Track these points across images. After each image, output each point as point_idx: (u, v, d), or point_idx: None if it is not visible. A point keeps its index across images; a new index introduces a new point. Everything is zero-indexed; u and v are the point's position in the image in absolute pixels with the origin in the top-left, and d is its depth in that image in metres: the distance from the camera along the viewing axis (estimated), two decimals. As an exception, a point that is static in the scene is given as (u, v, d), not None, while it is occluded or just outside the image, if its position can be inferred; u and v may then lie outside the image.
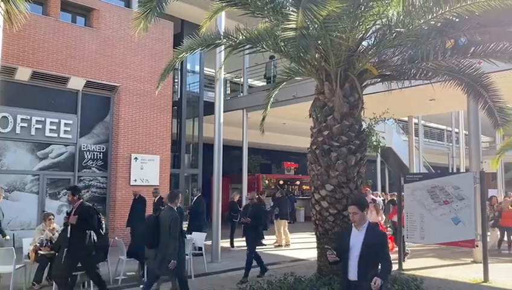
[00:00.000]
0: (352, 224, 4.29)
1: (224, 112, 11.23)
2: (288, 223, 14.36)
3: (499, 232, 12.73)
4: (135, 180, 13.45)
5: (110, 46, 13.29)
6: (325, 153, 6.84)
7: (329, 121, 6.86)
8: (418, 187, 9.36)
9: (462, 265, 10.43)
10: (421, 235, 9.31)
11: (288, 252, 12.28)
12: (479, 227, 8.95)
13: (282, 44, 6.76)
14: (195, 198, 12.53)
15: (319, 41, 6.60)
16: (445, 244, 10.70)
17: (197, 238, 9.80)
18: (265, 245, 11.15)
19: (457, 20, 5.96)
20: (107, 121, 13.51)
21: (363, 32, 6.60)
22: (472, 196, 8.73)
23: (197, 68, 17.15)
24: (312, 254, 9.19)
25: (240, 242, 10.90)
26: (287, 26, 4.99)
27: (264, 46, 7.12)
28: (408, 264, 9.94)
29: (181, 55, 7.70)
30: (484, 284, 8.32)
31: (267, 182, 22.57)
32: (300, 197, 22.39)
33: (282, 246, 13.32)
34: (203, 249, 9.73)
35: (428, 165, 25.39)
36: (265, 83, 17.38)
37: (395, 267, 9.39)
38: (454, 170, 24.86)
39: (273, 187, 21.97)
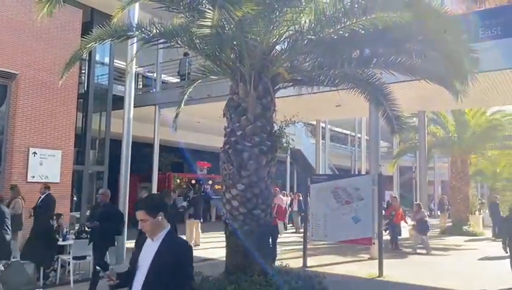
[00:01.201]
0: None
1: (134, 107, 10.83)
2: (201, 222, 14.28)
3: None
4: (33, 177, 12.36)
5: (9, 31, 12.11)
6: (237, 153, 6.90)
7: (243, 122, 6.94)
8: (323, 188, 9.87)
9: (361, 261, 11.20)
10: (324, 234, 9.82)
11: (198, 252, 12.19)
12: (376, 226, 9.67)
13: (198, 41, 6.70)
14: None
15: (235, 42, 6.67)
16: (346, 243, 11.42)
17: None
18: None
19: (363, 32, 6.38)
20: (3, 110, 12.28)
21: (277, 36, 6.79)
22: (370, 196, 9.42)
23: (106, 60, 16.30)
24: (222, 253, 9.23)
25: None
26: (202, 23, 4.95)
27: (179, 42, 6.99)
28: (312, 261, 10.43)
29: (89, 45, 7.25)
30: (378, 278, 9.02)
31: (178, 181, 22.22)
32: (213, 197, 22.39)
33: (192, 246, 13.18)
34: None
35: (333, 167, 26.90)
36: (179, 80, 17.09)
37: (299, 264, 9.86)
38: (356, 172, 26.62)
39: (184, 186, 21.71)
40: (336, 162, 29.42)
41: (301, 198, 16.64)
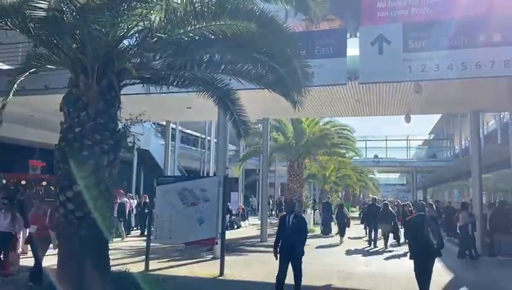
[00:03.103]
0: None
1: None
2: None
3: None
4: None
5: None
6: (75, 151, 6.34)
7: (83, 118, 6.40)
8: (169, 189, 9.76)
9: (204, 262, 11.38)
10: (169, 236, 9.70)
11: (27, 261, 10.81)
12: (220, 226, 9.93)
13: (32, 25, 5.96)
14: None
15: (77, 31, 6.14)
16: (191, 244, 11.47)
17: None
18: None
19: (213, 37, 6.51)
20: None
21: (125, 30, 6.45)
22: (216, 197, 9.64)
23: None
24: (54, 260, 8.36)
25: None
26: (37, 4, 4.41)
27: (9, 24, 6.13)
28: (155, 264, 10.19)
29: None
30: (219, 278, 9.28)
31: (4, 181, 19.46)
32: (47, 200, 20.21)
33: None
34: None
35: (183, 169, 26.89)
36: (9, 66, 15.01)
37: (141, 267, 9.53)
38: (205, 174, 27.09)
39: (12, 187, 19.11)
40: (186, 164, 29.48)
41: (147, 200, 16.18)
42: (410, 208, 16.43)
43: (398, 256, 13.32)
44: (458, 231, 13.88)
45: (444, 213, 20.18)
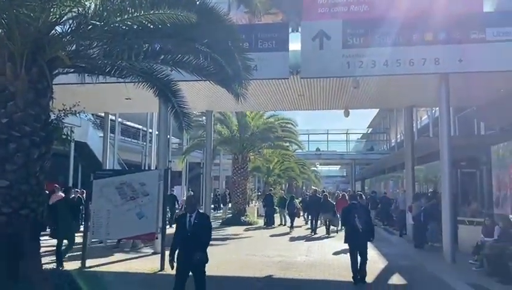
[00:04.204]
0: None
1: None
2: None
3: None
4: None
5: None
6: (1, 143, 5.96)
7: (10, 108, 6.02)
8: (107, 184, 9.45)
9: (145, 257, 11.15)
10: (106, 232, 9.41)
11: None
12: (160, 220, 9.77)
13: None
14: None
15: (4, 15, 5.74)
16: (130, 239, 11.22)
17: None
18: None
19: (152, 26, 6.34)
20: None
21: (57, 16, 6.13)
22: (156, 191, 9.47)
23: None
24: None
25: None
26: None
27: None
28: (92, 261, 9.84)
29: None
30: (159, 272, 9.14)
31: None
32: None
33: None
34: None
35: (123, 162, 26.10)
36: None
37: (78, 265, 9.18)
38: (147, 168, 26.47)
39: None
40: (127, 158, 28.61)
41: (80, 195, 15.57)
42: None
43: (338, 241, 13.96)
44: (412, 221, 13.82)
45: (380, 203, 21.18)
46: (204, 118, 19.19)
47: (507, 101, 12.43)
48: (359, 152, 44.47)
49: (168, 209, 18.36)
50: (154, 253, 11.21)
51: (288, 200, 20.83)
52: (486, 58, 10.04)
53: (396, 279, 9.16)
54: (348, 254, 8.54)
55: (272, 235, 16.81)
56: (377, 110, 34.54)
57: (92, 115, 24.88)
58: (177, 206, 22.62)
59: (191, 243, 5.84)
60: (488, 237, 9.70)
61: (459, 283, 8.44)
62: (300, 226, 20.09)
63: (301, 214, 22.60)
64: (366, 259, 8.33)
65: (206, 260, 5.98)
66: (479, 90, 12.74)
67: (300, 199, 23.69)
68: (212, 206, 24.63)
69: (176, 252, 5.90)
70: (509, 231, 9.22)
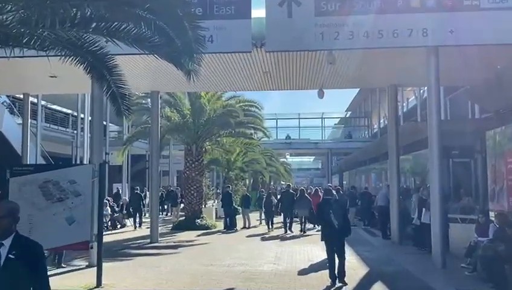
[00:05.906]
0: None
1: None
2: None
3: None
4: None
5: None
6: None
7: None
8: (28, 182, 9.18)
9: (78, 270, 10.97)
10: (28, 241, 9.14)
11: None
12: (96, 226, 9.59)
13: None
14: None
15: None
16: (59, 249, 10.94)
17: None
18: None
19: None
20: None
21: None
22: (90, 191, 9.28)
23: None
24: None
25: None
26: None
27: None
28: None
29: None
30: (96, 289, 9.02)
31: None
32: None
33: None
34: None
35: (48, 155, 25.40)
36: None
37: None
38: (78, 162, 25.90)
39: None
40: (53, 149, 27.85)
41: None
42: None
43: (313, 242, 14.61)
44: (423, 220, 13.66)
45: (360, 200, 21.55)
46: (149, 100, 18.91)
47: (504, 79, 12.91)
48: (336, 140, 45.28)
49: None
50: (89, 266, 11.04)
51: (264, 198, 21.95)
52: (480, 28, 10.36)
53: (378, 288, 9.44)
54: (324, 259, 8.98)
55: (233, 241, 16.89)
56: (357, 90, 35.22)
57: (8, 96, 24.01)
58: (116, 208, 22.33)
59: None
60: (482, 236, 10.13)
61: (449, 290, 8.82)
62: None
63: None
64: (344, 258, 9.25)
65: None
66: (473, 67, 13.18)
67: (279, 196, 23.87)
68: (160, 208, 24.41)
69: None
70: (506, 230, 9.63)
